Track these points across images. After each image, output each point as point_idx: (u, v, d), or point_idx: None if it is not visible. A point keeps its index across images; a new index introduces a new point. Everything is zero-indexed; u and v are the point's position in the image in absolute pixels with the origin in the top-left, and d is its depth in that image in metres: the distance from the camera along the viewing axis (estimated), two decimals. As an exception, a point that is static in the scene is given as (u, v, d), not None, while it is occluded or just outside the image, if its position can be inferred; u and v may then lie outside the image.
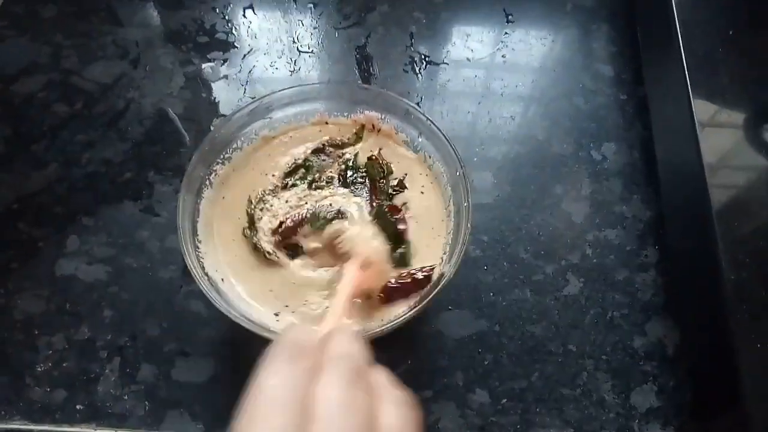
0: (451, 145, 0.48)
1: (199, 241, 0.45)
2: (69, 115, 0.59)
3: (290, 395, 0.23)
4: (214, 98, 0.62)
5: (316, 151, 0.52)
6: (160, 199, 0.55)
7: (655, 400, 0.49)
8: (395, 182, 0.50)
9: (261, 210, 0.48)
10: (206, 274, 0.43)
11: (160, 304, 0.50)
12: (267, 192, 0.49)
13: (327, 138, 0.52)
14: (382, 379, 0.27)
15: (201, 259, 0.44)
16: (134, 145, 0.58)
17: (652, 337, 0.51)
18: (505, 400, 0.48)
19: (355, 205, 0.48)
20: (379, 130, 0.52)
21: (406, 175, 0.51)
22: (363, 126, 0.53)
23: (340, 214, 0.47)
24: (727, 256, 0.44)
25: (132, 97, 0.61)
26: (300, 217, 0.47)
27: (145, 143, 0.58)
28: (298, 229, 0.47)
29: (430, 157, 0.50)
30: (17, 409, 0.45)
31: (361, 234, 0.45)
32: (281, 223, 0.47)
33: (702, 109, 0.50)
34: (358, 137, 0.52)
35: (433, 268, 0.46)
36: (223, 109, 0.61)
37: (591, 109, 0.63)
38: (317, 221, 0.47)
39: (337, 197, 0.49)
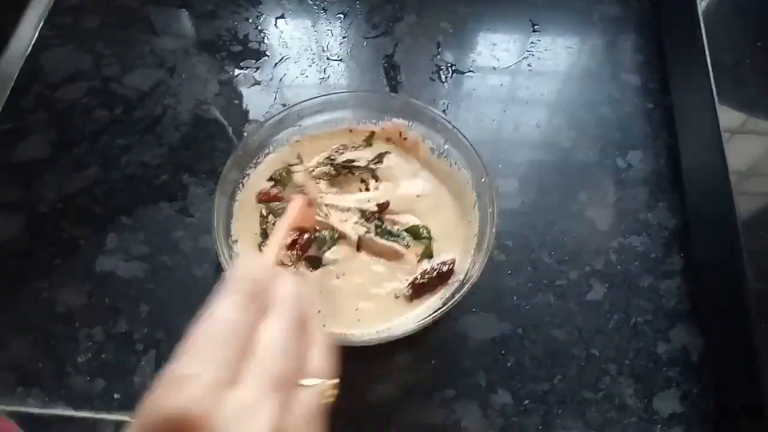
0: (476, 152, 0.49)
1: (234, 241, 0.47)
2: (109, 120, 0.62)
3: (240, 331, 0.25)
4: (247, 105, 0.64)
5: (324, 163, 0.53)
6: (193, 201, 0.57)
7: (678, 405, 0.49)
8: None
9: (273, 225, 0.50)
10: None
11: (194, 300, 0.52)
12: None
13: (337, 146, 0.53)
14: (317, 327, 0.29)
15: (234, 258, 0.46)
16: (170, 149, 0.61)
17: (676, 344, 0.51)
18: (527, 402, 0.49)
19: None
20: (405, 138, 0.54)
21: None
22: (373, 133, 0.54)
23: (342, 235, 0.49)
24: (752, 266, 0.44)
25: (168, 104, 0.63)
26: (309, 237, 0.49)
27: (181, 147, 0.61)
28: (312, 245, 0.49)
29: (456, 163, 0.51)
30: (59, 396, 0.48)
31: (309, 178, 0.51)
32: (294, 240, 0.49)
33: (728, 118, 0.51)
34: (368, 144, 0.54)
35: (454, 261, 0.47)
36: (255, 115, 0.63)
37: (617, 118, 0.63)
38: (324, 243, 0.49)
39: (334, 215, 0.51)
